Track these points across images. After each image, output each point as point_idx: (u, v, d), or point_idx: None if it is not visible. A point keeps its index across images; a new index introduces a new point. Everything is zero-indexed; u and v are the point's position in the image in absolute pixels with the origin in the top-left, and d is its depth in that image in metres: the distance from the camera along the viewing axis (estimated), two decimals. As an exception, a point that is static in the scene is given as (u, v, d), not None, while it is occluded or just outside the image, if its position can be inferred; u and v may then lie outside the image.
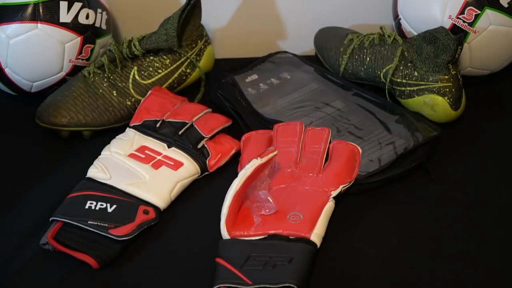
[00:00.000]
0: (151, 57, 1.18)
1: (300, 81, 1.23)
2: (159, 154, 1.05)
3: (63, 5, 1.15)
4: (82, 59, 1.19)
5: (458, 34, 1.08)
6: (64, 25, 1.15)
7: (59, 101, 1.13)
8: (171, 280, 0.91)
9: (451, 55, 1.08)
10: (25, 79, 1.17)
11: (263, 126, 1.11)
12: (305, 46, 1.35)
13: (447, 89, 1.10)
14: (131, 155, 1.04)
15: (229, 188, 0.91)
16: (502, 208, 1.00)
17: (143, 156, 1.04)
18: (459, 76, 1.11)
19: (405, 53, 1.13)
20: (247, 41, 1.39)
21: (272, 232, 0.91)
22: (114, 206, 0.96)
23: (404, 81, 1.14)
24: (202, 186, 1.05)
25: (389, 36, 1.17)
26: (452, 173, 1.06)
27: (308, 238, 0.89)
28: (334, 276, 0.90)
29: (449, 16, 1.15)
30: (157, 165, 1.03)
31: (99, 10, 1.21)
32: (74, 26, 1.16)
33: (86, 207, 0.95)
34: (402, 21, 1.23)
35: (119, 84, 1.15)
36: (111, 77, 1.15)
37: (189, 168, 1.04)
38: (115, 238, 0.91)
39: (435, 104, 1.11)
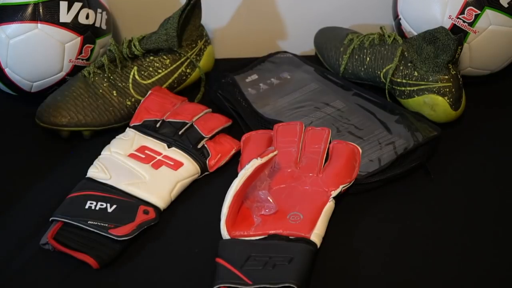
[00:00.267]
0: (151, 57, 1.18)
1: (300, 81, 1.23)
2: (159, 154, 1.05)
3: (63, 5, 1.15)
4: (82, 59, 1.19)
5: (458, 34, 1.08)
6: (64, 25, 1.15)
7: (59, 101, 1.13)
8: (171, 280, 0.91)
9: (451, 55, 1.08)
10: (25, 79, 1.17)
11: (263, 126, 1.11)
12: (305, 46, 1.35)
13: (447, 89, 1.10)
14: (131, 155, 1.04)
15: (229, 188, 0.91)
16: (502, 208, 1.00)
17: (143, 156, 1.04)
18: (459, 76, 1.11)
19: (405, 53, 1.13)
20: (247, 41, 1.39)
21: (272, 232, 0.91)
22: (114, 206, 0.96)
23: (404, 81, 1.14)
24: (202, 186, 1.05)
25: (389, 36, 1.17)
26: (452, 173, 1.06)
27: (308, 238, 0.89)
28: (334, 276, 0.90)
29: (449, 16, 1.15)
30: (157, 165, 1.03)
31: (99, 10, 1.21)
32: (74, 26, 1.16)
33: (86, 207, 0.95)
34: (402, 21, 1.23)
35: (119, 84, 1.15)
36: (111, 77, 1.15)
37: (189, 168, 1.04)
38: (115, 238, 0.91)
39: (435, 104, 1.11)
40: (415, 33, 1.18)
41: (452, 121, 1.12)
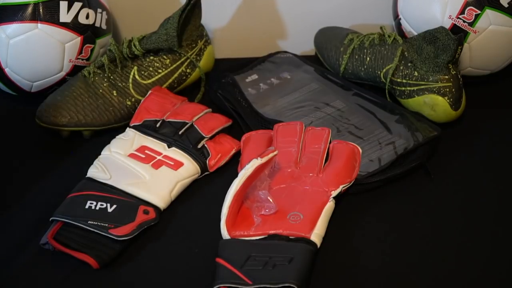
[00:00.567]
0: (151, 57, 1.18)
1: (300, 81, 1.23)
2: (159, 154, 1.05)
3: (63, 5, 1.15)
4: (82, 59, 1.19)
5: (458, 34, 1.08)
6: (64, 25, 1.15)
7: (59, 101, 1.13)
8: (171, 280, 0.91)
9: (451, 55, 1.08)
10: (25, 79, 1.17)
11: (263, 126, 1.11)
12: (305, 46, 1.35)
13: (447, 89, 1.10)
14: (131, 155, 1.04)
15: (229, 188, 0.91)
16: (502, 208, 1.00)
17: (143, 156, 1.04)
18: (459, 76, 1.11)
19: (405, 53, 1.13)
20: (247, 41, 1.39)
21: (272, 232, 0.91)
22: (114, 206, 0.96)
23: (404, 81, 1.14)
24: (202, 186, 1.05)
25: (389, 36, 1.17)
26: (452, 173, 1.06)
27: (308, 238, 0.89)
28: (334, 276, 0.90)
29: (449, 16, 1.15)
30: (157, 165, 1.03)
31: (99, 10, 1.21)
32: (74, 26, 1.16)
33: (86, 207, 0.95)
34: (402, 21, 1.23)
35: (119, 84, 1.15)
36: (111, 77, 1.15)
37: (189, 168, 1.04)
38: (115, 238, 0.91)
39: (435, 104, 1.11)
40: (415, 33, 1.18)
41: (452, 121, 1.12)
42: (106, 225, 0.93)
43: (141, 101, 1.14)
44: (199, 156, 1.05)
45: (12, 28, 1.14)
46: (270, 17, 1.38)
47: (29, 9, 1.14)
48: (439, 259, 0.92)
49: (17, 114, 1.21)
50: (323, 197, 0.95)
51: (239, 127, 1.14)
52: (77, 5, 1.16)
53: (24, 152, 1.14)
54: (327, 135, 1.03)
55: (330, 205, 0.94)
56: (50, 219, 0.94)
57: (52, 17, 1.14)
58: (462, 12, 1.14)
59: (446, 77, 1.10)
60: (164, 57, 1.18)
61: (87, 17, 1.18)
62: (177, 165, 1.03)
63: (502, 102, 1.22)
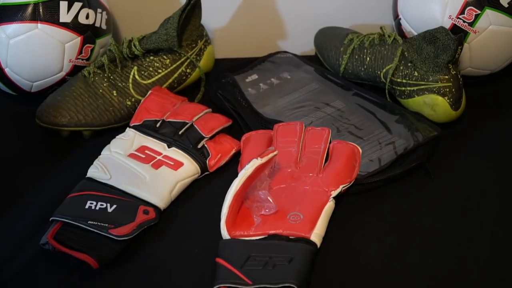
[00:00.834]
0: (151, 57, 1.18)
1: (300, 81, 1.23)
2: (159, 154, 1.05)
3: (63, 5, 1.15)
4: (82, 59, 1.19)
5: (458, 34, 1.08)
6: (64, 25, 1.15)
7: (59, 101, 1.13)
8: (171, 280, 0.91)
9: (451, 55, 1.08)
10: (25, 79, 1.17)
11: (263, 126, 1.11)
12: (305, 46, 1.35)
13: (447, 89, 1.10)
14: (131, 155, 1.04)
15: (229, 188, 0.91)
16: (502, 208, 1.00)
17: (143, 156, 1.04)
18: (459, 76, 1.11)
19: (405, 53, 1.13)
20: (247, 41, 1.39)
21: (272, 232, 0.90)
22: (114, 206, 0.96)
23: (404, 81, 1.14)
24: (202, 186, 1.05)
25: (389, 36, 1.17)
26: (452, 173, 1.06)
27: (308, 238, 0.89)
28: (334, 276, 0.90)
29: (449, 16, 1.15)
30: (157, 165, 1.03)
31: (99, 10, 1.21)
32: (74, 26, 1.16)
33: (86, 207, 0.95)
34: (402, 21, 1.23)
35: (119, 84, 1.15)
36: (111, 77, 1.15)
37: (189, 168, 1.04)
38: (115, 238, 0.91)
39: (435, 104, 1.11)
40: (415, 33, 1.18)
41: (452, 121, 1.12)
42: (106, 225, 0.92)
43: (141, 101, 1.14)
44: (199, 156, 1.05)
45: (12, 28, 1.14)
46: (270, 17, 1.38)
47: (29, 9, 1.14)
48: (439, 259, 0.92)
49: (17, 114, 1.21)
50: (323, 197, 0.95)
51: (239, 127, 1.14)
52: (77, 5, 1.16)
53: (24, 152, 1.14)
54: (327, 135, 1.03)
55: (330, 205, 0.94)
56: (50, 219, 0.94)
57: (52, 17, 1.14)
58: (462, 12, 1.15)
59: (446, 77, 1.10)
60: (164, 57, 1.18)
61: (87, 17, 1.18)
62: (177, 165, 1.03)
63: (502, 102, 1.22)
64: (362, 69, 1.19)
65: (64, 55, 1.17)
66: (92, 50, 1.20)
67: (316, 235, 0.90)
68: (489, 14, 1.14)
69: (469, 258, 0.92)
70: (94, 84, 1.14)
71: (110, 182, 1.00)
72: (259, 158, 0.91)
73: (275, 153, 0.93)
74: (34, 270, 0.92)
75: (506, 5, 1.14)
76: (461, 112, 1.12)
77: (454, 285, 0.89)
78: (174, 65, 1.19)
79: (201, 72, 1.22)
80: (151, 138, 1.07)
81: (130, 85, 1.16)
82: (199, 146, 1.07)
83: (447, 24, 1.15)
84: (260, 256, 0.86)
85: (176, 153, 1.05)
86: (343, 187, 0.97)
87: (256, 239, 0.90)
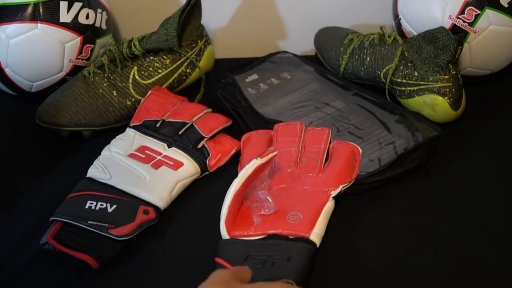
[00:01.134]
0: (151, 57, 1.18)
1: (300, 81, 1.23)
2: (159, 154, 1.05)
3: (63, 5, 1.15)
4: (82, 59, 1.19)
5: (458, 34, 1.08)
6: (64, 25, 1.15)
7: (59, 101, 1.13)
8: (171, 280, 0.91)
9: (451, 55, 1.08)
10: (25, 79, 1.17)
11: (263, 126, 1.11)
12: (305, 46, 1.35)
13: (447, 89, 1.10)
14: (131, 155, 1.04)
15: (229, 188, 0.91)
16: (502, 208, 1.00)
17: (143, 156, 1.04)
18: (459, 76, 1.11)
19: (405, 53, 1.13)
20: (247, 41, 1.39)
21: (271, 232, 0.91)
22: (114, 206, 0.96)
23: (404, 81, 1.14)
24: (202, 186, 1.05)
25: (389, 36, 1.17)
26: (452, 173, 1.06)
27: (308, 238, 0.89)
28: (334, 276, 0.90)
29: (449, 16, 1.15)
30: (157, 165, 1.03)
31: (99, 10, 1.21)
32: (74, 26, 1.16)
33: (86, 207, 0.95)
34: (402, 21, 1.23)
35: (119, 84, 1.15)
36: (111, 77, 1.15)
37: (189, 168, 1.04)
38: (115, 238, 0.91)
39: (435, 104, 1.11)
40: (415, 33, 1.18)
41: (452, 121, 1.12)
42: (106, 225, 0.93)
43: (141, 101, 1.14)
44: (199, 156, 1.05)
45: (12, 28, 1.14)
46: (270, 17, 1.38)
47: (29, 9, 1.14)
48: (439, 259, 0.92)
49: (17, 114, 1.21)
50: (323, 197, 0.95)
51: (239, 127, 1.14)
52: (77, 5, 1.16)
53: (24, 152, 1.14)
54: (327, 135, 1.02)
55: (329, 205, 0.94)
56: (50, 219, 0.94)
57: (52, 17, 1.14)
58: (462, 12, 1.14)
59: (446, 77, 1.10)
60: (164, 57, 1.18)
61: (87, 17, 1.18)
62: (177, 165, 1.03)
63: (502, 102, 1.22)
64: (362, 69, 1.19)
65: (64, 55, 1.17)
66: (92, 50, 1.20)
67: (316, 235, 0.90)
68: (489, 14, 1.14)
69: (469, 257, 0.92)
70: (94, 84, 1.14)
71: (110, 182, 1.00)
72: (259, 158, 0.91)
73: (275, 153, 0.93)
74: (34, 270, 0.92)
75: (506, 5, 1.14)
76: (461, 112, 1.12)
77: (455, 285, 0.89)
78: (174, 65, 1.19)
79: (201, 72, 1.22)
80: (151, 138, 1.07)
81: (130, 85, 1.16)
82: (199, 146, 1.07)
83: (447, 24, 1.15)
84: (259, 255, 0.86)
85: (176, 153, 1.05)
86: (343, 187, 0.97)
87: (256, 239, 0.90)
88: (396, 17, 1.25)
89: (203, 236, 0.96)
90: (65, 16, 1.15)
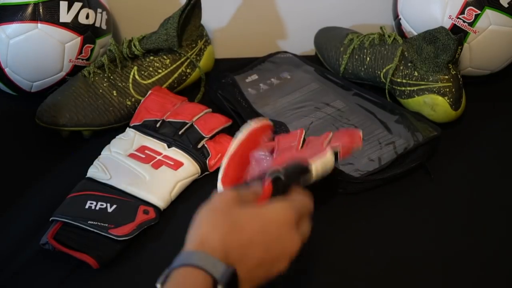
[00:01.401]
0: (151, 57, 1.18)
1: (300, 81, 1.23)
2: (159, 154, 1.05)
3: (63, 5, 1.15)
4: (82, 59, 1.19)
5: (458, 34, 1.08)
6: (64, 25, 1.15)
7: (59, 101, 1.13)
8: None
9: (451, 55, 1.08)
10: (25, 79, 1.17)
11: (263, 126, 1.11)
12: (305, 46, 1.35)
13: (447, 89, 1.10)
14: (131, 155, 1.04)
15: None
16: (502, 208, 1.00)
17: (143, 156, 1.04)
18: (459, 76, 1.11)
19: (405, 53, 1.13)
20: (247, 41, 1.39)
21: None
22: (114, 206, 0.96)
23: (404, 81, 1.14)
24: (202, 186, 1.05)
25: (389, 36, 1.17)
26: (452, 173, 1.06)
27: (305, 162, 0.83)
28: (334, 276, 0.90)
29: (449, 16, 1.15)
30: (157, 165, 1.03)
31: (99, 10, 1.21)
32: (74, 26, 1.16)
33: (86, 207, 0.95)
34: (402, 21, 1.23)
35: (119, 84, 1.15)
36: (111, 77, 1.15)
37: (189, 168, 1.04)
38: (115, 238, 0.91)
39: (435, 104, 1.11)
40: (415, 33, 1.18)
41: (452, 121, 1.13)
42: (106, 225, 0.93)
43: (141, 101, 1.14)
44: (199, 156, 1.05)
45: (12, 28, 1.14)
46: (270, 17, 1.38)
47: (29, 9, 1.14)
48: (439, 258, 0.92)
49: (17, 114, 1.21)
50: (320, 150, 0.88)
51: (239, 127, 1.14)
52: (77, 5, 1.16)
53: (24, 152, 1.13)
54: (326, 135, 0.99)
55: (328, 156, 0.87)
56: (50, 219, 0.94)
57: (52, 17, 1.14)
58: (462, 12, 1.14)
59: (446, 77, 1.10)
60: (164, 57, 1.18)
61: (87, 17, 1.18)
62: (177, 165, 1.03)
63: (502, 102, 1.22)
64: (362, 69, 1.19)
65: (64, 55, 1.17)
66: (92, 50, 1.20)
67: (313, 166, 0.83)
68: (489, 14, 1.14)
69: (469, 257, 0.92)
70: (94, 84, 1.14)
71: (110, 182, 1.00)
72: (251, 122, 0.91)
73: (268, 122, 0.94)
74: (34, 270, 0.92)
75: (506, 5, 1.14)
76: (461, 112, 1.12)
77: (455, 285, 0.89)
78: (174, 65, 1.19)
79: (201, 72, 1.22)
80: (151, 138, 1.07)
81: (130, 85, 1.16)
82: (199, 146, 1.07)
83: (447, 24, 1.15)
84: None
85: (176, 153, 1.05)
86: (343, 147, 0.90)
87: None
88: (396, 17, 1.25)
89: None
90: (65, 16, 1.15)
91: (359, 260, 0.92)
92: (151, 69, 1.17)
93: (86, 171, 1.02)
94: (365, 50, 1.19)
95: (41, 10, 1.14)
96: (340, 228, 0.95)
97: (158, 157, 1.04)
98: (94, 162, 1.03)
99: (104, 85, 1.14)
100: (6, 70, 1.17)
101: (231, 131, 1.13)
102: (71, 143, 1.13)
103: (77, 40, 1.17)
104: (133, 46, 1.16)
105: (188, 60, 1.21)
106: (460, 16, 1.15)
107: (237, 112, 1.15)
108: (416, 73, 1.12)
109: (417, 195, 1.02)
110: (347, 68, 1.22)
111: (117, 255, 0.91)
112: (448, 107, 1.11)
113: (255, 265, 0.69)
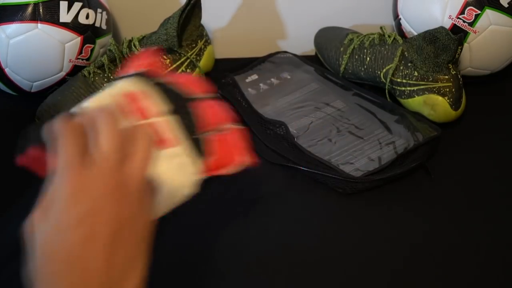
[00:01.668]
0: (151, 57, 1.18)
1: (300, 81, 1.23)
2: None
3: (63, 5, 1.15)
4: (82, 59, 1.19)
5: (458, 34, 1.08)
6: (64, 25, 1.15)
7: (59, 101, 1.13)
8: (171, 280, 0.91)
9: (451, 55, 1.08)
10: (25, 79, 1.18)
11: (263, 126, 1.11)
12: (305, 46, 1.35)
13: (447, 89, 1.10)
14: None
15: None
16: (502, 208, 1.00)
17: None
18: (459, 76, 1.11)
19: (405, 53, 1.13)
20: (247, 41, 1.39)
21: None
22: (114, 206, 0.96)
23: (404, 81, 1.14)
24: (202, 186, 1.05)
25: (389, 36, 1.17)
26: (452, 173, 1.06)
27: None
28: (333, 276, 0.90)
29: (449, 16, 1.15)
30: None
31: (99, 10, 1.21)
32: (74, 26, 1.16)
33: (86, 207, 0.95)
34: (402, 21, 1.23)
35: (119, 84, 1.15)
36: (111, 77, 1.15)
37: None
38: (115, 238, 0.91)
39: (435, 104, 1.11)
40: (415, 33, 1.18)
41: (452, 121, 1.13)
42: (106, 225, 0.92)
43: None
44: (199, 156, 1.05)
45: (12, 28, 1.14)
46: (270, 17, 1.38)
47: (29, 9, 1.14)
48: (439, 259, 0.92)
49: (17, 114, 1.21)
50: None
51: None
52: (77, 5, 1.17)
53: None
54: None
55: None
56: (50, 219, 0.94)
57: (52, 17, 1.14)
58: (462, 12, 1.15)
59: (446, 77, 1.10)
60: (164, 57, 1.18)
61: (87, 17, 1.18)
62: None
63: (502, 102, 1.22)
64: (362, 69, 1.19)
65: (64, 55, 1.17)
66: (92, 50, 1.20)
67: None
68: (489, 14, 1.14)
69: (469, 257, 0.92)
70: (94, 84, 1.14)
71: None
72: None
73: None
74: (34, 270, 0.92)
75: (506, 5, 1.15)
76: (461, 112, 1.12)
77: (455, 285, 0.89)
78: (174, 65, 1.19)
79: (201, 72, 1.22)
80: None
81: (130, 85, 1.16)
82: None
83: (447, 24, 1.15)
84: None
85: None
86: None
87: None
88: (396, 17, 1.25)
89: (203, 236, 0.96)
90: (65, 16, 1.15)
91: (359, 259, 0.92)
92: (151, 69, 1.17)
93: (86, 171, 1.01)
94: (365, 50, 1.19)
95: (41, 10, 1.14)
96: (340, 228, 0.95)
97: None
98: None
99: (104, 85, 1.14)
100: (6, 70, 1.17)
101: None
102: (71, 143, 1.13)
103: (77, 40, 1.17)
104: (133, 46, 1.16)
105: (188, 60, 1.21)
106: (460, 16, 1.15)
107: (237, 112, 1.15)
108: (416, 73, 1.12)
109: (417, 195, 1.02)
110: (347, 68, 1.22)
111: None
112: (448, 107, 1.11)
113: None
